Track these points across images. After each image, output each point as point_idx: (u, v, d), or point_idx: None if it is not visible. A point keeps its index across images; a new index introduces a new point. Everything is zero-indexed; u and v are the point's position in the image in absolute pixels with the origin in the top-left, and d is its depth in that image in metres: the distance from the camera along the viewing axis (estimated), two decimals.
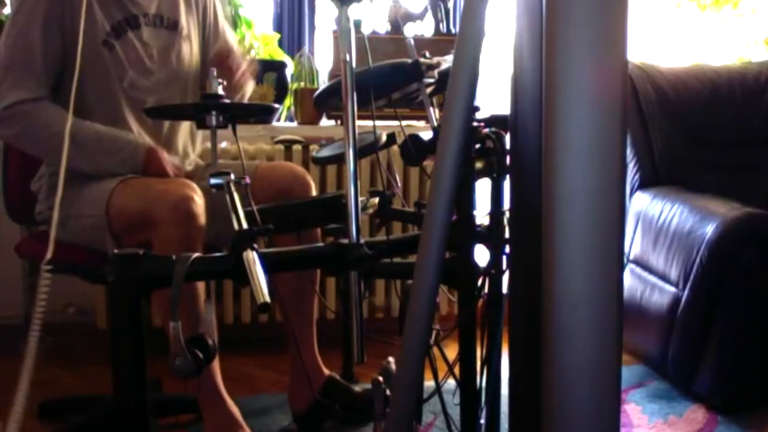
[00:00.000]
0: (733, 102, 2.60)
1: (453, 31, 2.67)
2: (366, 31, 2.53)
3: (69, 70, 1.69)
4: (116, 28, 1.74)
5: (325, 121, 2.61)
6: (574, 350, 0.70)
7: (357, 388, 1.90)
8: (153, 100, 1.78)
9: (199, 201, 1.55)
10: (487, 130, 1.24)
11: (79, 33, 1.61)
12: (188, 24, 1.88)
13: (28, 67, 1.66)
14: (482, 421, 1.31)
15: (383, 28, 2.65)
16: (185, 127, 1.89)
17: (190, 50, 1.88)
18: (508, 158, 1.18)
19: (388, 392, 1.21)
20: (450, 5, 2.70)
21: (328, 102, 1.51)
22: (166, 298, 1.30)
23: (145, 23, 1.79)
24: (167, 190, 1.56)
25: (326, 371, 1.89)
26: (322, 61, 2.77)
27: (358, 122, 1.22)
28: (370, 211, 1.43)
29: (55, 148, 1.65)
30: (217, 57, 1.85)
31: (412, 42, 1.39)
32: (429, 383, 1.38)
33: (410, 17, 2.66)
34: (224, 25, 2.01)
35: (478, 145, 1.24)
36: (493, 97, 2.70)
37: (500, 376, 1.24)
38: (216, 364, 1.64)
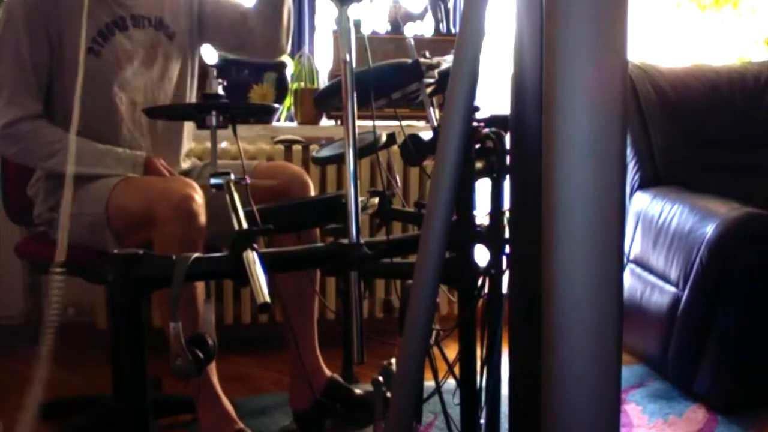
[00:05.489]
0: (733, 102, 2.60)
1: (453, 31, 2.67)
2: (366, 31, 2.53)
3: (57, 80, 1.70)
4: (103, 32, 1.74)
5: (325, 121, 2.61)
6: (574, 350, 0.70)
7: (358, 390, 1.89)
8: (143, 98, 1.78)
9: (199, 200, 1.55)
10: (487, 130, 1.24)
11: (67, 42, 1.61)
12: (174, 21, 1.87)
13: (21, 82, 1.67)
14: (482, 421, 1.31)
15: (383, 28, 2.65)
16: (177, 124, 1.89)
17: (179, 47, 1.88)
18: (508, 158, 1.18)
19: (388, 394, 1.21)
20: (450, 5, 2.70)
21: (329, 102, 1.51)
22: (166, 298, 1.30)
23: (133, 24, 1.79)
24: (168, 188, 1.56)
25: (327, 372, 1.88)
26: (322, 61, 2.77)
27: (358, 122, 1.22)
28: (370, 211, 1.43)
29: (55, 166, 1.67)
30: None
31: (412, 42, 1.39)
32: (429, 383, 1.38)
33: (410, 17, 2.66)
34: None
35: (478, 145, 1.24)
36: (493, 97, 2.70)
37: (500, 376, 1.24)
38: (212, 363, 1.64)
